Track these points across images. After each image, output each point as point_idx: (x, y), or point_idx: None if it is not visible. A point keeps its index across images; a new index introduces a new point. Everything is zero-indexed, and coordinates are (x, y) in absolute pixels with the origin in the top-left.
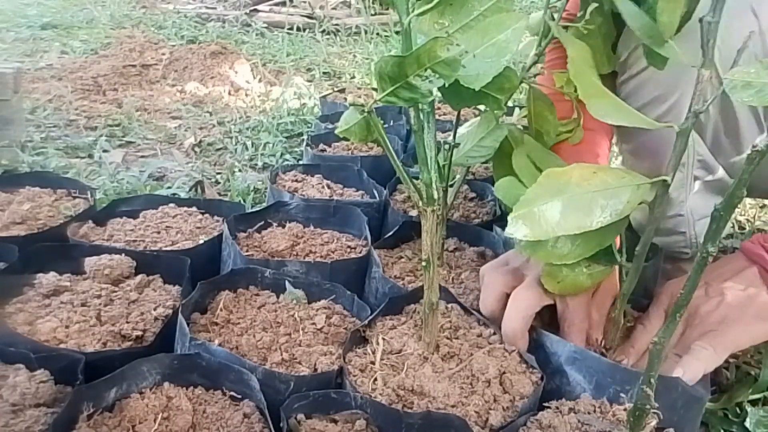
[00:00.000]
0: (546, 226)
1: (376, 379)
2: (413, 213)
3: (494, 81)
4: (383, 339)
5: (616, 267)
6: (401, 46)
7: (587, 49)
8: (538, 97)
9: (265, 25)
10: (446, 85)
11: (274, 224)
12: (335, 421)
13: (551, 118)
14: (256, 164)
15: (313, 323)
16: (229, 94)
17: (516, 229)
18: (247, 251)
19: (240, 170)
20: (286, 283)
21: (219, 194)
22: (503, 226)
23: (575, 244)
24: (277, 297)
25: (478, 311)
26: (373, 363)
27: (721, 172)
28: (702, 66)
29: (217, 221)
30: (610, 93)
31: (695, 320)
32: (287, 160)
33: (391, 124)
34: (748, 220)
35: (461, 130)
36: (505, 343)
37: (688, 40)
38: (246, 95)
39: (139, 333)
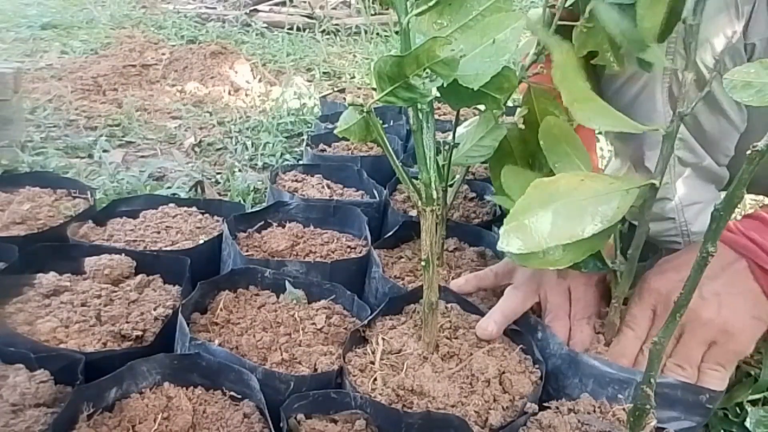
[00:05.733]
0: (538, 237)
1: (375, 379)
2: (413, 213)
3: (493, 80)
4: (383, 339)
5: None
6: (400, 46)
7: (573, 54)
8: (541, 94)
9: (265, 25)
10: (445, 85)
11: (274, 224)
12: (335, 421)
13: (558, 113)
14: (256, 164)
15: (313, 323)
16: (229, 94)
17: (509, 242)
18: (247, 251)
19: (240, 170)
20: (286, 283)
21: (219, 194)
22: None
23: (566, 251)
24: (277, 297)
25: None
26: (372, 363)
27: (703, 156)
28: (685, 68)
29: (217, 221)
30: (596, 97)
31: (694, 325)
32: (287, 160)
33: (391, 124)
34: None
35: (460, 129)
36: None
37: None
38: (246, 95)
39: (139, 333)
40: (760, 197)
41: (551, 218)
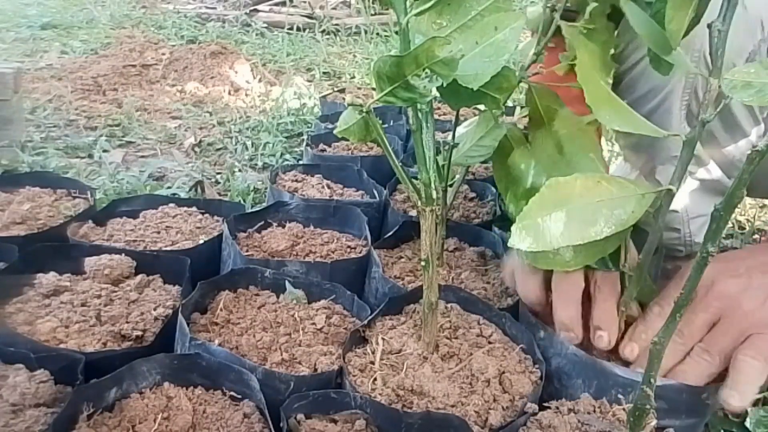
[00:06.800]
0: (550, 237)
1: (375, 379)
2: (413, 213)
3: (492, 80)
4: (383, 339)
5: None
6: (400, 46)
7: (597, 52)
8: (543, 92)
9: (265, 25)
10: (444, 85)
11: (274, 224)
12: (335, 421)
13: (561, 109)
14: (256, 164)
15: (313, 323)
16: (229, 94)
17: (520, 240)
18: (247, 251)
19: (240, 170)
20: (286, 283)
21: (219, 194)
22: (502, 226)
23: (577, 253)
24: (277, 297)
25: (485, 305)
26: (372, 363)
27: (715, 170)
28: (710, 74)
29: (217, 221)
30: (618, 99)
31: (736, 314)
32: (287, 160)
33: (391, 124)
34: (748, 220)
35: (460, 129)
36: (562, 332)
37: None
38: (246, 95)
39: (139, 333)
40: (760, 200)
41: (564, 219)
